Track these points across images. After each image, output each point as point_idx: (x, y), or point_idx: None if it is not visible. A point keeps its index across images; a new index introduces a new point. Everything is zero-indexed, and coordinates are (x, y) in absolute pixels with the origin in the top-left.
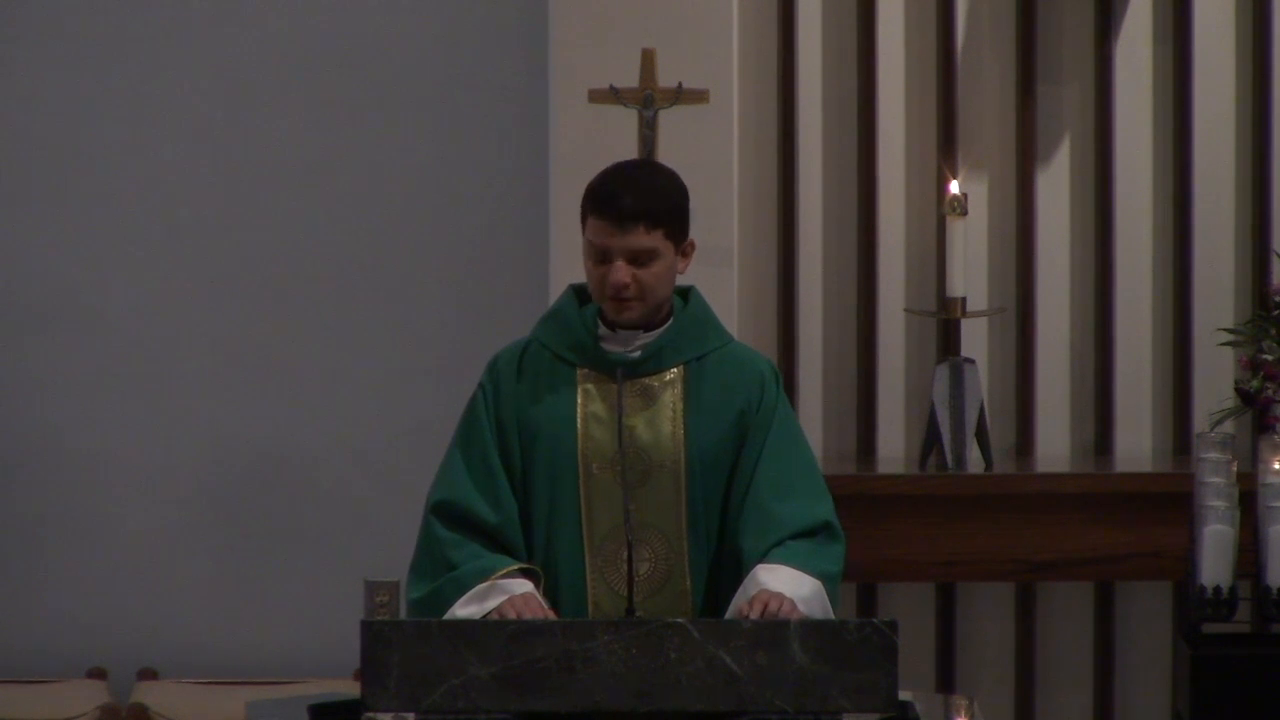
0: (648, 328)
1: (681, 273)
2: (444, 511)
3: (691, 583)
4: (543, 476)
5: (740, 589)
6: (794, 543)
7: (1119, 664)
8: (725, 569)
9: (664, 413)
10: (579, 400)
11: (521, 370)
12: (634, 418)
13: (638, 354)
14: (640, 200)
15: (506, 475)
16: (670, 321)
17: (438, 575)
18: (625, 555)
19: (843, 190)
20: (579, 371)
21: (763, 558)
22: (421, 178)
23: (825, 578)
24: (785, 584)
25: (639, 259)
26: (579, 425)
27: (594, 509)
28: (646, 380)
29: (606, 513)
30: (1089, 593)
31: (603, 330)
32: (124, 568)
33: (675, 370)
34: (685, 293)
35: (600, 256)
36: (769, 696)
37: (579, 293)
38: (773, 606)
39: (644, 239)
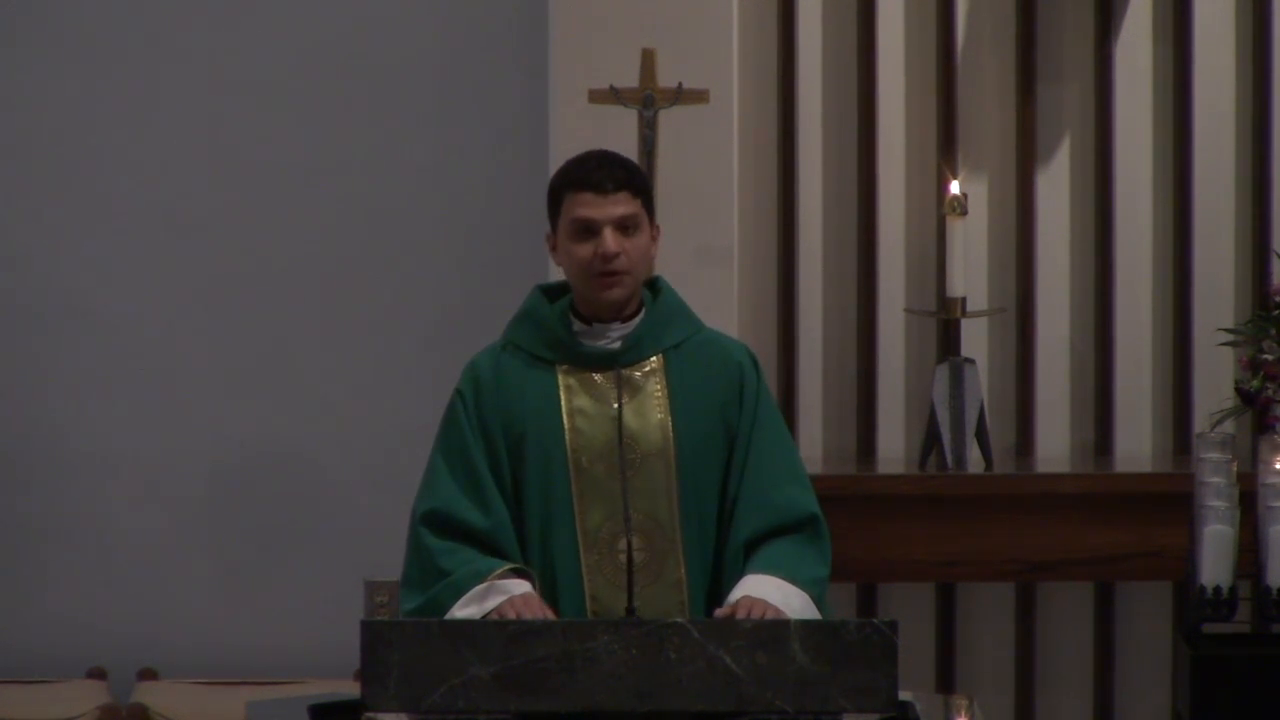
0: (622, 320)
1: (652, 258)
2: (433, 521)
3: (686, 572)
4: (534, 476)
5: (728, 596)
6: (782, 543)
7: (1119, 664)
8: (725, 562)
9: (649, 402)
10: (562, 396)
11: (500, 373)
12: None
13: (617, 345)
14: (619, 170)
15: (494, 478)
16: (644, 312)
17: (432, 585)
18: (621, 546)
19: (843, 190)
20: (559, 368)
21: (754, 556)
22: (421, 178)
23: (814, 583)
24: (772, 596)
25: (624, 227)
26: (565, 421)
27: (587, 502)
28: (628, 371)
29: (599, 505)
30: (1089, 593)
31: (577, 326)
32: (124, 568)
33: (655, 360)
34: (651, 284)
35: (585, 230)
36: (769, 696)
37: (546, 292)
38: (754, 613)
39: (628, 205)
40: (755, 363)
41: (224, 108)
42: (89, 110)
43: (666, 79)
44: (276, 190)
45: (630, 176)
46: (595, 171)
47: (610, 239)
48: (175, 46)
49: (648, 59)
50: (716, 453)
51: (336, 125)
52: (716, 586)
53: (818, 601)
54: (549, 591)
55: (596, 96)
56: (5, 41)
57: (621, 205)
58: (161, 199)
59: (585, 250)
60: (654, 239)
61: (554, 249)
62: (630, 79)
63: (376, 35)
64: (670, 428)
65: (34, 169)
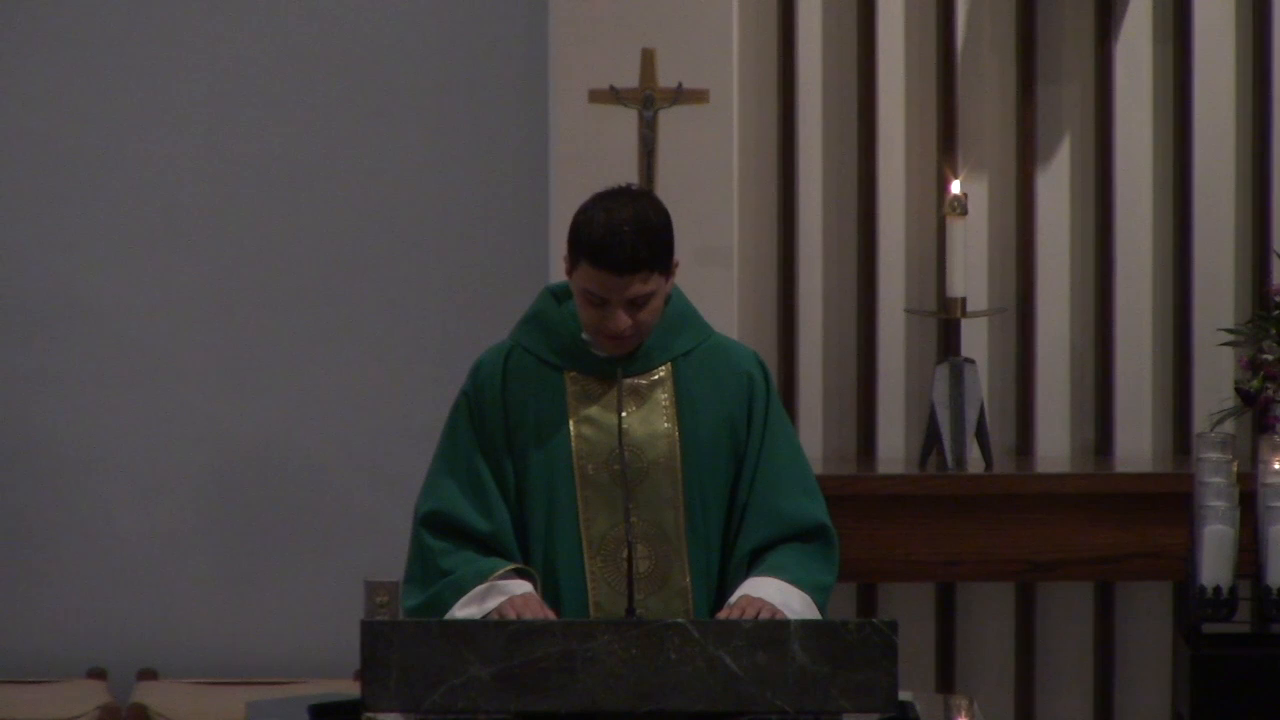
0: None
1: (665, 300)
2: (434, 522)
3: (691, 580)
4: (538, 480)
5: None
6: (788, 549)
7: (1119, 664)
8: (730, 570)
9: (656, 411)
10: (569, 403)
11: (506, 376)
12: (628, 417)
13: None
14: (637, 249)
15: (497, 482)
16: None
17: (432, 584)
18: (625, 555)
19: (843, 190)
20: (566, 374)
21: (759, 561)
22: (421, 178)
23: (817, 588)
24: (773, 597)
25: (637, 302)
26: (571, 427)
27: (591, 510)
28: (636, 380)
29: (604, 513)
30: (1089, 593)
31: (586, 333)
32: (124, 568)
33: (663, 368)
34: None
35: (597, 302)
36: (769, 696)
37: (555, 295)
38: (750, 612)
39: (643, 285)
40: (765, 371)
41: (223, 108)
42: (89, 110)
43: (666, 79)
44: (276, 190)
45: (651, 254)
46: (613, 251)
47: (621, 318)
48: (175, 46)
49: (648, 59)
50: (723, 462)
51: (336, 125)
52: (722, 595)
53: (820, 608)
54: (552, 597)
55: (596, 96)
56: (5, 41)
57: (636, 285)
58: (161, 199)
59: (595, 316)
60: (672, 274)
61: (568, 272)
62: (630, 79)
63: (376, 35)
64: (676, 437)
65: (34, 169)
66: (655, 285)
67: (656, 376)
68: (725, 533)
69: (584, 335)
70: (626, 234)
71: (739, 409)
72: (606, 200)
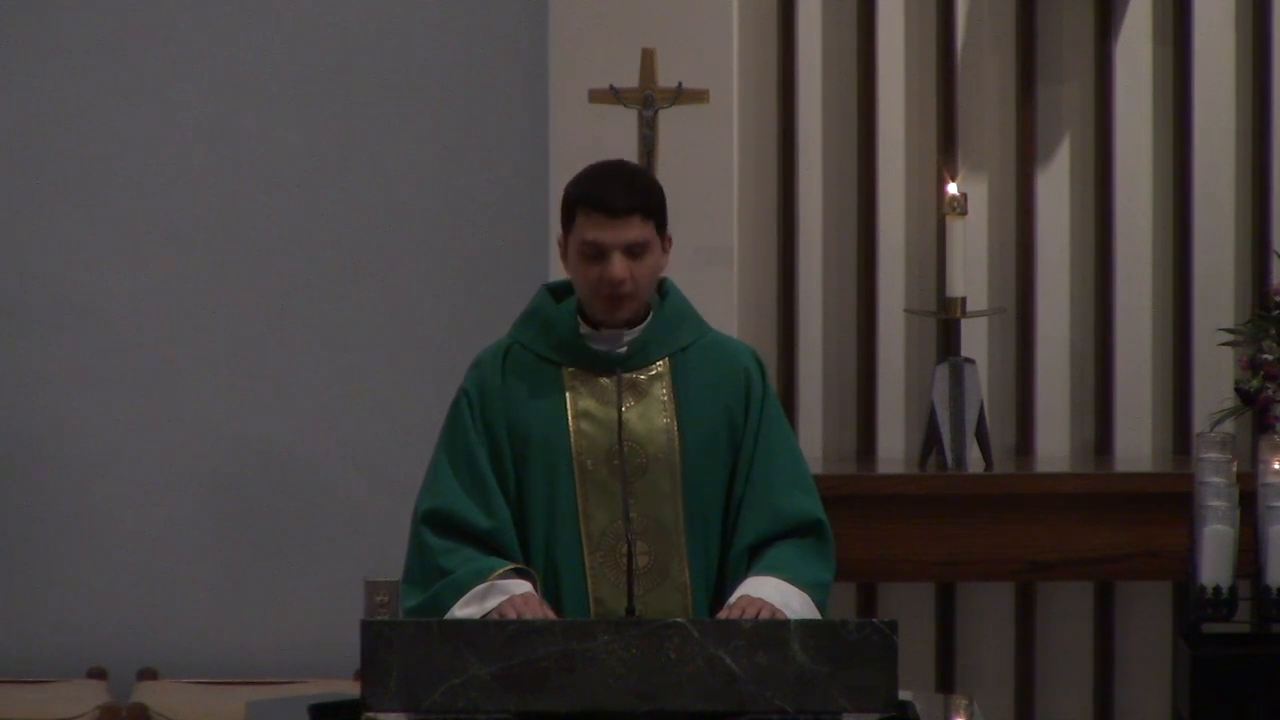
0: (630, 323)
1: (661, 268)
2: (434, 520)
3: (690, 576)
4: (538, 477)
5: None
6: (786, 546)
7: (1119, 664)
8: (729, 567)
9: (655, 406)
10: (568, 399)
11: (506, 372)
12: (627, 412)
13: (624, 349)
14: (633, 192)
15: (498, 479)
16: (651, 316)
17: (432, 583)
18: (625, 550)
19: (843, 190)
20: (565, 370)
21: (757, 559)
22: (421, 178)
23: (816, 586)
24: (772, 597)
25: (634, 251)
26: (570, 424)
27: (591, 506)
28: (634, 375)
29: (604, 509)
30: (1089, 593)
31: (585, 329)
32: (124, 568)
33: (662, 364)
34: (659, 285)
35: (594, 253)
36: (769, 696)
37: (553, 292)
38: (750, 613)
39: (639, 230)
40: (761, 367)
41: (224, 109)
42: (90, 110)
43: (666, 79)
44: (276, 190)
45: (645, 199)
46: (609, 192)
47: (618, 265)
48: (176, 46)
49: (648, 59)
50: (721, 457)
51: (336, 125)
52: (720, 591)
53: (819, 605)
54: (553, 594)
55: (596, 96)
56: (6, 41)
57: (633, 230)
58: (162, 199)
59: (593, 272)
60: (666, 250)
61: (564, 255)
62: (630, 79)
63: (377, 36)
64: (675, 432)
65: (34, 169)
66: (649, 235)
67: (655, 371)
68: (724, 528)
69: (581, 330)
70: (618, 181)
71: (737, 404)
72: (601, 162)
